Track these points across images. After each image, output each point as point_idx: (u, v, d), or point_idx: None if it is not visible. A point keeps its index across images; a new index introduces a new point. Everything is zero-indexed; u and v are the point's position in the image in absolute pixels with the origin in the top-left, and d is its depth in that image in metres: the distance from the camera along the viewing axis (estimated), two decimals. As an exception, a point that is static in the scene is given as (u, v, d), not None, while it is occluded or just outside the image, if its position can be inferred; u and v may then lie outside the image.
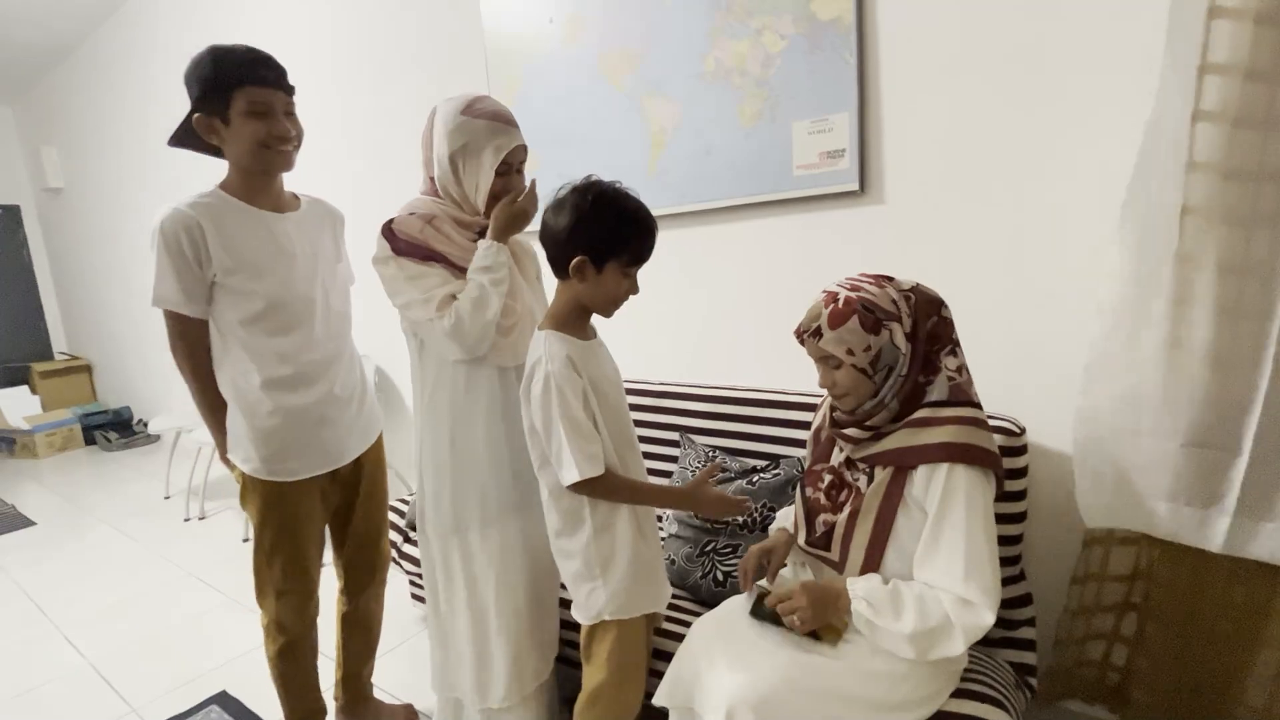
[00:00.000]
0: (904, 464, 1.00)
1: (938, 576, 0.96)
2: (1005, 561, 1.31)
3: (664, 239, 2.00)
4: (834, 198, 1.61)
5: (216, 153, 1.30)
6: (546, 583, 1.38)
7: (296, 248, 1.33)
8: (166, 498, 3.68)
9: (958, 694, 1.08)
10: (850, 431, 1.06)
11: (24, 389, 5.22)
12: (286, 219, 1.34)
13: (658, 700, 1.16)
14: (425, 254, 1.21)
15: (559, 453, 1.09)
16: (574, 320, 1.15)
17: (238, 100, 1.20)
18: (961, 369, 1.04)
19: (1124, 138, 1.11)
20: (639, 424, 1.51)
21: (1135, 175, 1.07)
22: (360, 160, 2.83)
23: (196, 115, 1.23)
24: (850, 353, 1.00)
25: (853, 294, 1.00)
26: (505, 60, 2.17)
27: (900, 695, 1.01)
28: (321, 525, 1.48)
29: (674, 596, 1.52)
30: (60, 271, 5.76)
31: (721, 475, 1.56)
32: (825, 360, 1.04)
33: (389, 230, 1.22)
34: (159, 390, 4.93)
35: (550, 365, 1.08)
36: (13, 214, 5.64)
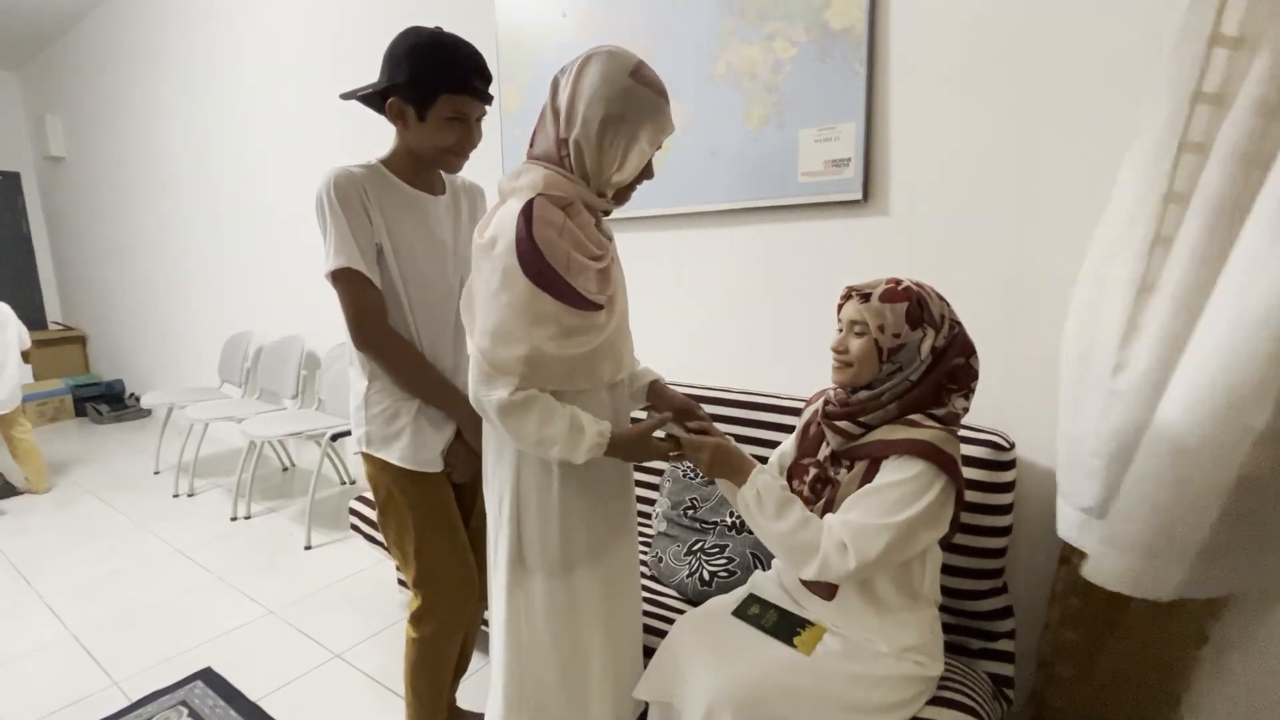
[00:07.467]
0: (879, 455, 1.03)
1: (834, 519, 1.02)
2: (988, 574, 1.33)
3: (666, 239, 2.03)
4: (837, 206, 1.62)
5: (381, 110, 1.25)
6: (638, 613, 1.31)
7: (446, 233, 1.31)
8: (156, 473, 3.67)
9: (934, 701, 1.09)
10: (843, 424, 1.08)
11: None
12: (438, 202, 1.32)
13: (638, 694, 1.17)
14: (553, 284, 0.97)
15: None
16: None
17: (444, 104, 1.17)
18: (965, 411, 1.08)
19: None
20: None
21: (1112, 206, 1.08)
22: (361, 153, 2.81)
23: (392, 99, 1.20)
24: (881, 329, 1.03)
25: (915, 287, 1.05)
26: (516, 51, 2.18)
27: (876, 699, 1.03)
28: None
29: (658, 594, 1.54)
30: (58, 241, 5.73)
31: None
32: (853, 325, 1.07)
33: (528, 238, 0.96)
34: (153, 365, 4.91)
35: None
36: (12, 181, 5.60)
